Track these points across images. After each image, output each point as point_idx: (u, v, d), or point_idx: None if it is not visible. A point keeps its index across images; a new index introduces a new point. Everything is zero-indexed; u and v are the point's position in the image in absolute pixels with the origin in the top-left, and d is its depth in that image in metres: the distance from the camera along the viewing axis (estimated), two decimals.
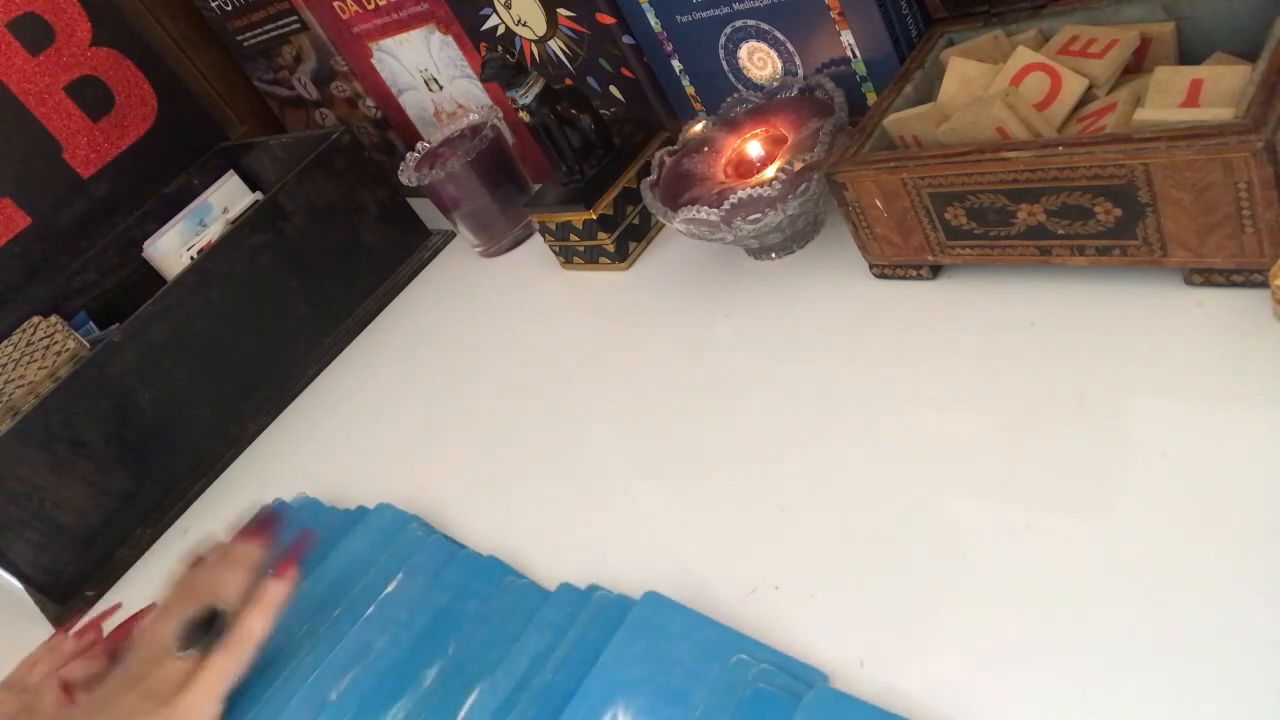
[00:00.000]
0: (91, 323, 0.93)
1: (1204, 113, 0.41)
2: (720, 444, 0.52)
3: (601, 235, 0.70)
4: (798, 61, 0.63)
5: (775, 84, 0.65)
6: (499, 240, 0.83)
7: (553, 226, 0.73)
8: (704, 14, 0.65)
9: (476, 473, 0.61)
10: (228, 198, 0.98)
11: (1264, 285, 0.41)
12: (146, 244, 0.96)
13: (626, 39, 0.71)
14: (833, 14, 0.58)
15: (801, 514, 0.45)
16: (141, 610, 0.61)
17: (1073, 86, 0.47)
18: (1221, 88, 0.42)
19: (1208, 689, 0.31)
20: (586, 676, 0.42)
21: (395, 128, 1.00)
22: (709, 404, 0.55)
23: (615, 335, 0.66)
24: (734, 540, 0.46)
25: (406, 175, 0.82)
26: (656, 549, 0.48)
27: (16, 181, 0.93)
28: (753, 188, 0.55)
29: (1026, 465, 0.41)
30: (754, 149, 0.62)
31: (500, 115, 0.83)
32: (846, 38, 0.59)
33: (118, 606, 0.63)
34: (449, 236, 0.91)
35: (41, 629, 0.71)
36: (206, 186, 0.98)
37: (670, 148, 0.66)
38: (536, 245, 0.81)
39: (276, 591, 0.52)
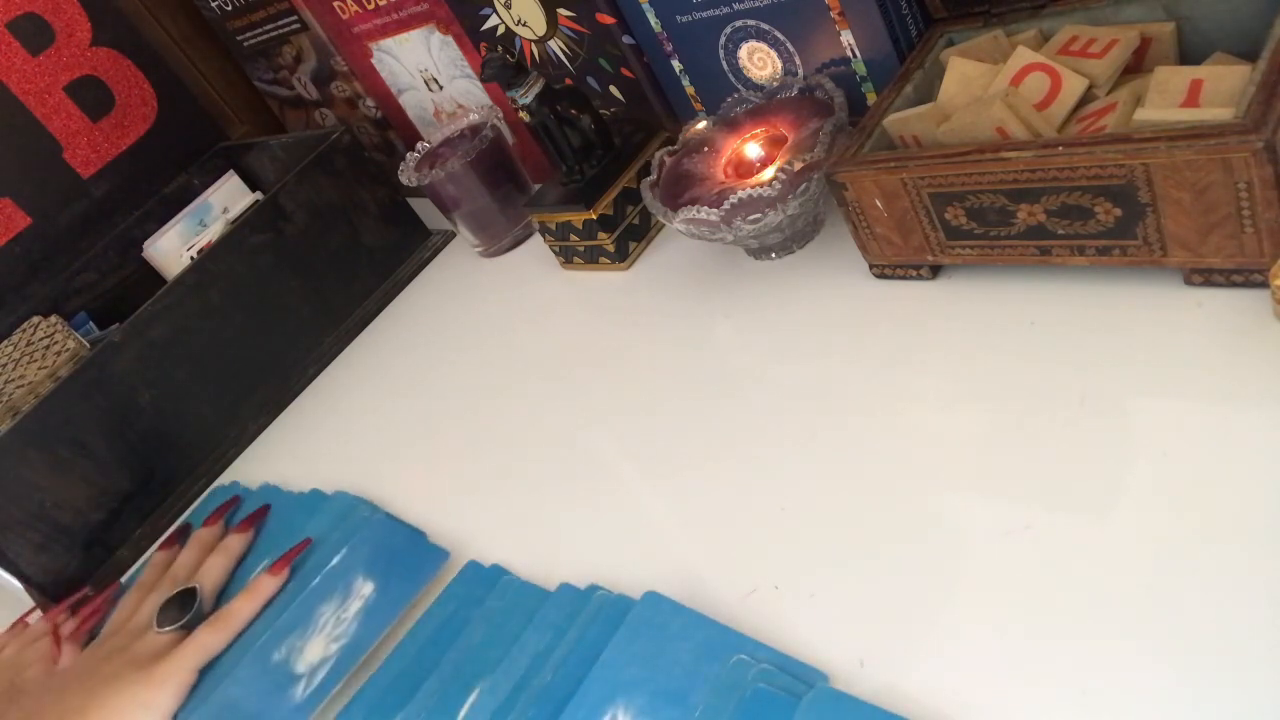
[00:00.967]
0: (91, 323, 0.93)
1: (1204, 113, 0.41)
2: (720, 444, 0.52)
3: (601, 235, 0.70)
4: (798, 61, 0.63)
5: (775, 84, 0.65)
6: (499, 240, 0.83)
7: (553, 226, 0.73)
8: (704, 14, 0.65)
9: (477, 472, 0.61)
10: (228, 198, 0.98)
11: (1264, 285, 0.41)
12: (146, 244, 0.96)
13: (626, 39, 0.71)
14: (833, 14, 0.58)
15: (801, 514, 0.45)
16: (105, 590, 0.66)
17: (1073, 86, 0.47)
18: (1221, 88, 0.42)
19: (1208, 689, 0.31)
20: (586, 677, 0.42)
21: (395, 128, 1.00)
22: (709, 404, 0.55)
23: (615, 335, 0.66)
24: (734, 540, 0.46)
25: (406, 175, 0.82)
26: (656, 549, 0.48)
27: (16, 181, 0.93)
28: (752, 188, 0.55)
29: (1026, 465, 0.41)
30: (754, 149, 0.62)
31: (500, 115, 0.83)
32: (846, 38, 0.59)
33: (84, 592, 0.69)
34: (449, 236, 0.91)
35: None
36: (206, 186, 0.98)
37: (670, 148, 0.66)
38: (536, 245, 0.81)
39: (268, 584, 0.55)
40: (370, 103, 0.99)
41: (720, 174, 0.62)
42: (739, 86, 0.68)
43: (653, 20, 0.68)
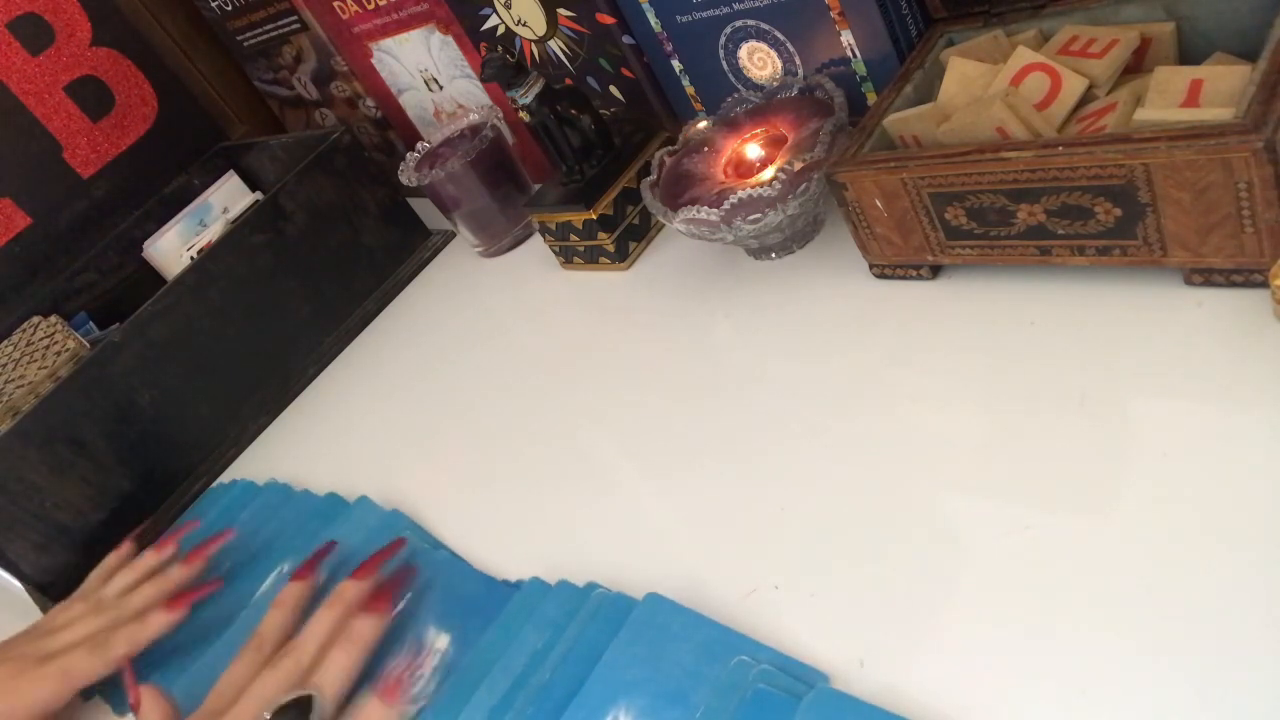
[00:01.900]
0: (91, 323, 0.93)
1: (1204, 113, 0.41)
2: (720, 444, 0.52)
3: (601, 235, 0.70)
4: (798, 61, 0.63)
5: (775, 84, 0.65)
6: (499, 240, 0.83)
7: (553, 226, 0.73)
8: (704, 14, 0.65)
9: (477, 472, 0.61)
10: (228, 198, 0.98)
11: (1264, 285, 0.41)
12: (146, 244, 0.96)
13: (626, 39, 0.71)
14: (833, 14, 0.58)
15: (801, 514, 0.45)
16: (221, 533, 0.63)
17: (1073, 86, 0.47)
18: (1221, 88, 0.42)
19: (1208, 689, 0.31)
20: (588, 678, 0.42)
21: (395, 128, 1.00)
22: (709, 404, 0.55)
23: (615, 335, 0.66)
24: (734, 540, 0.46)
25: (406, 175, 0.82)
26: (656, 549, 0.48)
27: (16, 181, 0.93)
28: (752, 188, 0.55)
29: (1026, 465, 0.41)
30: (754, 149, 0.62)
31: (500, 115, 0.83)
32: (846, 38, 0.59)
33: (195, 523, 0.68)
34: (449, 236, 0.91)
35: None
36: (206, 186, 0.98)
37: (670, 148, 0.66)
38: (536, 245, 0.81)
39: (369, 634, 0.48)
40: (370, 103, 0.99)
41: (720, 174, 0.62)
42: (739, 86, 0.68)
43: (653, 20, 0.68)
